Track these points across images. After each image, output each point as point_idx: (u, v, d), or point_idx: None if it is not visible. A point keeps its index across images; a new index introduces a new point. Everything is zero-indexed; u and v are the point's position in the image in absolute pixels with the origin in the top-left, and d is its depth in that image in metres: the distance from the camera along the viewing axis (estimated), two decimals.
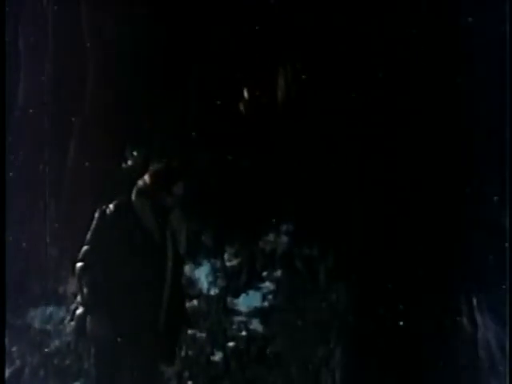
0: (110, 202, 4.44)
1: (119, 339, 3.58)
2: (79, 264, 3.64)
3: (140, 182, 3.82)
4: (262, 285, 5.62)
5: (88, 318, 3.64)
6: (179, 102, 6.24)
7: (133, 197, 3.76)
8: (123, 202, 3.82)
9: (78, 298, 3.62)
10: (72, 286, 5.02)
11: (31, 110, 6.63)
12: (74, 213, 5.55)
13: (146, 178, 3.80)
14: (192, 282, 5.70)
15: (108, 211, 3.73)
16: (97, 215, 3.83)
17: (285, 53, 5.94)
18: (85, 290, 3.59)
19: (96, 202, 4.05)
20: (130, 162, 4.06)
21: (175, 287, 3.87)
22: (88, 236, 3.70)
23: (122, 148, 5.99)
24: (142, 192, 3.74)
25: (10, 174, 5.05)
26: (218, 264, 5.79)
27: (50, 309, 5.75)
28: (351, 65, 5.34)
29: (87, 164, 6.08)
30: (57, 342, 5.45)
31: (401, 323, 4.90)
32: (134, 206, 3.77)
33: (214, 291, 5.66)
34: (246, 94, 6.08)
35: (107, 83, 6.30)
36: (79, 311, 3.75)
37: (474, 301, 4.88)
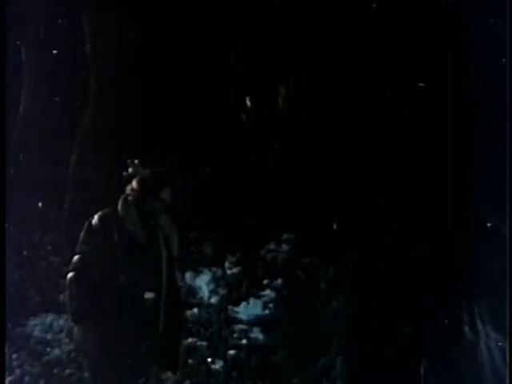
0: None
1: (116, 348, 3.55)
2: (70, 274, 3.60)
3: (138, 191, 3.80)
4: (263, 293, 5.62)
5: (83, 328, 3.61)
6: (180, 112, 6.27)
7: (129, 206, 3.74)
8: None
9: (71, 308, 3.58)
10: None
11: (32, 120, 6.65)
12: (75, 221, 5.55)
13: (144, 185, 3.78)
14: (193, 291, 5.70)
15: (105, 219, 3.70)
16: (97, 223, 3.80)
17: (286, 63, 5.97)
18: (78, 300, 3.55)
19: (97, 210, 4.03)
20: (130, 171, 4.05)
21: (175, 296, 3.86)
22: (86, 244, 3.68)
23: (124, 157, 6.00)
24: (141, 201, 3.72)
25: (11, 182, 5.04)
26: (219, 272, 5.79)
27: (50, 317, 5.74)
28: (354, 75, 5.36)
29: (88, 172, 6.10)
30: (57, 351, 5.44)
31: (402, 332, 4.88)
32: (134, 215, 3.75)
33: (214, 299, 5.66)
34: (247, 103, 6.11)
35: (108, 93, 6.32)
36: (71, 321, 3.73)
37: (476, 309, 4.88)
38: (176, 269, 3.81)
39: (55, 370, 5.26)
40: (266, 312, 5.52)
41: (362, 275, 5.17)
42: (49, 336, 5.60)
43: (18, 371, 5.23)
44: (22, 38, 6.61)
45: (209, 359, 5.22)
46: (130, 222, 3.63)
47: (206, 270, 5.83)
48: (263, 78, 6.06)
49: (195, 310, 5.56)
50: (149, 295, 3.60)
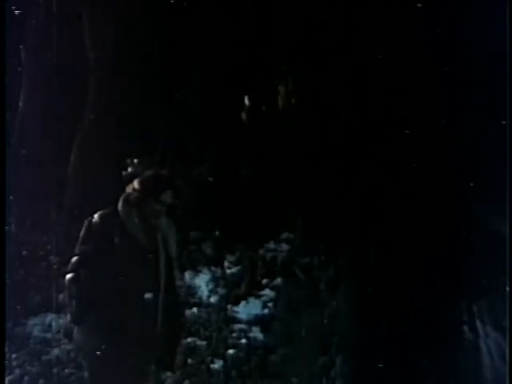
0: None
1: (116, 347, 3.57)
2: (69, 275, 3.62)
3: (140, 192, 3.81)
4: (263, 293, 5.62)
5: (82, 329, 3.63)
6: (180, 111, 6.27)
7: (129, 206, 3.74)
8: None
9: (70, 309, 3.59)
10: None
11: (32, 120, 6.64)
12: (75, 221, 5.55)
13: (145, 187, 3.79)
14: (192, 290, 5.70)
15: (105, 219, 3.71)
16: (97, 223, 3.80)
17: (286, 63, 5.97)
18: (77, 301, 3.56)
19: (97, 210, 4.05)
20: (130, 170, 4.05)
21: (173, 296, 3.87)
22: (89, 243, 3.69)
23: (124, 157, 6.00)
24: (142, 202, 3.73)
25: (11, 182, 5.05)
26: (219, 272, 5.79)
27: (49, 317, 5.74)
28: (353, 73, 5.36)
29: (88, 172, 6.10)
30: (57, 351, 5.44)
31: (402, 332, 4.88)
32: (133, 214, 3.76)
33: (214, 299, 5.66)
34: (246, 102, 6.11)
35: (108, 92, 6.32)
36: (71, 322, 3.75)
37: (475, 308, 4.88)
38: (175, 269, 3.83)
39: (55, 370, 5.26)
40: (266, 311, 5.52)
41: (361, 275, 5.16)
42: (48, 336, 5.61)
43: (17, 371, 5.23)
44: (21, 38, 6.62)
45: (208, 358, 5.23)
46: (129, 223, 3.65)
47: (205, 270, 5.83)
48: (262, 77, 6.06)
49: (194, 309, 5.56)
50: (148, 296, 3.61)
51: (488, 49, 4.95)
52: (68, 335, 5.10)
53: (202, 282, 5.77)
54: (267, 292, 5.61)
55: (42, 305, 5.79)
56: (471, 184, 4.99)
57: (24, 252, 6.06)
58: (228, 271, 5.81)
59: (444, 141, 5.07)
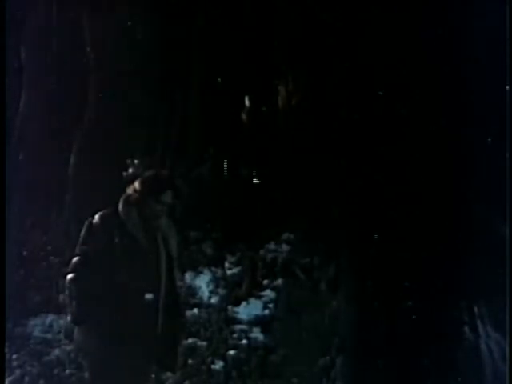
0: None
1: (116, 348, 3.56)
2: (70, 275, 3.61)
3: (140, 193, 3.81)
4: (263, 293, 5.62)
5: (83, 329, 3.62)
6: (180, 111, 6.27)
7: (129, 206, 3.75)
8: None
9: (71, 309, 3.58)
10: None
11: (32, 120, 6.65)
12: (75, 221, 5.56)
13: (145, 187, 3.79)
14: (192, 291, 5.70)
15: (106, 220, 3.70)
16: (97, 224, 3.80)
17: (286, 63, 5.98)
18: (77, 302, 3.56)
19: (97, 210, 4.05)
20: (130, 171, 4.06)
21: (174, 296, 3.87)
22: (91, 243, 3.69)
23: (124, 157, 6.01)
24: (142, 203, 3.73)
25: (11, 182, 5.05)
26: (219, 272, 5.80)
27: (50, 317, 5.74)
28: (353, 74, 5.35)
29: (88, 172, 6.10)
30: (57, 351, 5.44)
31: (402, 332, 4.88)
32: (135, 216, 3.76)
33: (214, 299, 5.66)
34: (246, 103, 6.11)
35: (108, 93, 6.32)
36: (71, 322, 3.75)
37: (475, 308, 4.88)
38: (175, 270, 3.82)
39: (55, 370, 5.26)
40: (266, 312, 5.53)
41: (361, 275, 5.16)
42: (49, 336, 5.61)
43: (18, 371, 5.23)
44: (21, 38, 6.62)
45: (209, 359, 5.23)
46: (130, 223, 3.63)
47: (205, 270, 5.84)
48: (262, 77, 6.06)
49: (195, 310, 5.56)
50: (148, 296, 3.60)
51: (488, 49, 4.94)
52: (68, 336, 5.10)
53: (202, 282, 5.77)
54: (268, 293, 5.61)
55: (43, 305, 5.80)
56: (471, 184, 4.98)
57: (24, 252, 6.07)
58: (228, 272, 5.81)
59: (444, 141, 5.06)
